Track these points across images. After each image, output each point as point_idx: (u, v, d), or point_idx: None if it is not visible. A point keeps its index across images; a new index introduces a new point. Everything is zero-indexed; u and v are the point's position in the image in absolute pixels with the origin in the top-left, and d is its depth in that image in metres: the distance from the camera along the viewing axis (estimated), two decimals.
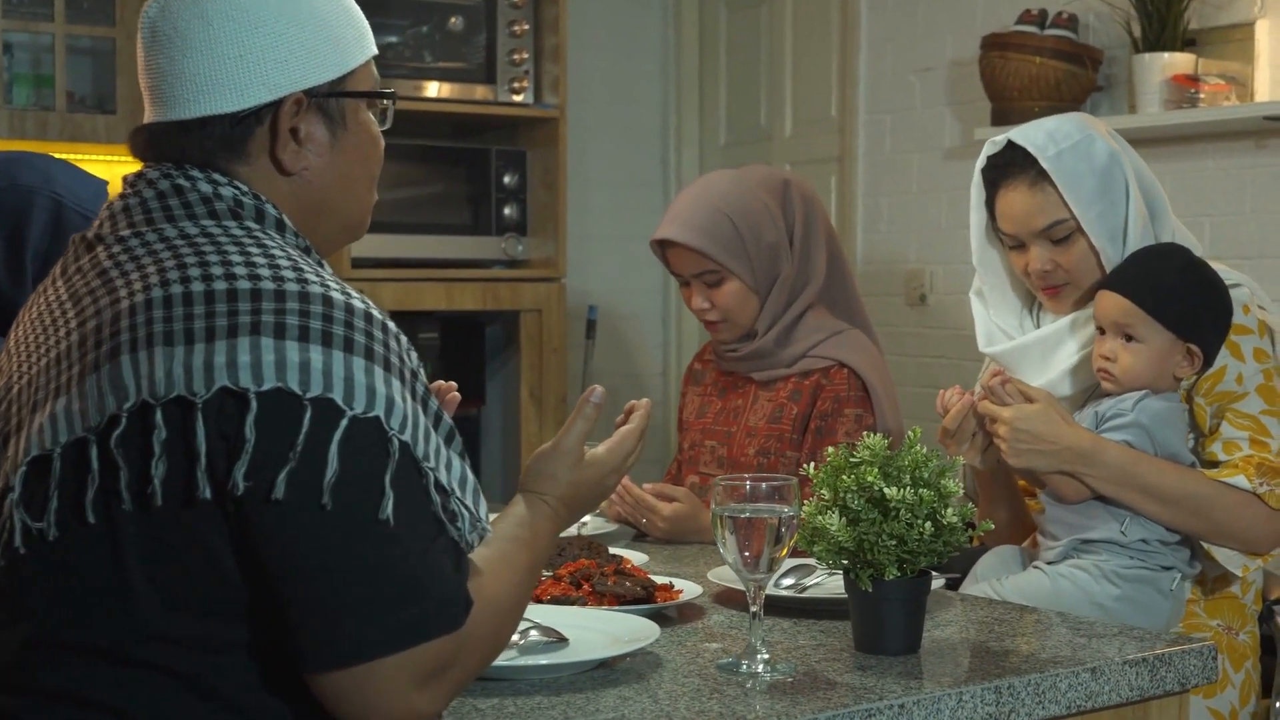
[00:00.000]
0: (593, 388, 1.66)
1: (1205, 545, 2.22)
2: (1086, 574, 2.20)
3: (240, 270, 1.36)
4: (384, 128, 1.60)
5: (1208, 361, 2.21)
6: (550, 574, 2.09)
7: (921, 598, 1.81)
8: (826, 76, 4.79)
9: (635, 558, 2.33)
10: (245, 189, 1.46)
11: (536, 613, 1.86)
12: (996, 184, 2.36)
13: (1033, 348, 2.39)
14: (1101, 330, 2.25)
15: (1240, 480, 2.17)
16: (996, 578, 2.30)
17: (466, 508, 1.39)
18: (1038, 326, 2.43)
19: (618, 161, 5.20)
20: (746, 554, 1.71)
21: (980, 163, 2.40)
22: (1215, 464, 2.23)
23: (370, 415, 1.31)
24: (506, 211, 4.37)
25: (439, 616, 1.31)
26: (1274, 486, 2.18)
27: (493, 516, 1.52)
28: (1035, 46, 3.74)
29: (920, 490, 1.76)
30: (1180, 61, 3.54)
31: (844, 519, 1.77)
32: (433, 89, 4.29)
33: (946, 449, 2.31)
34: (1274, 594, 2.44)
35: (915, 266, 4.48)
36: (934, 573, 2.01)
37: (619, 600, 1.99)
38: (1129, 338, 2.22)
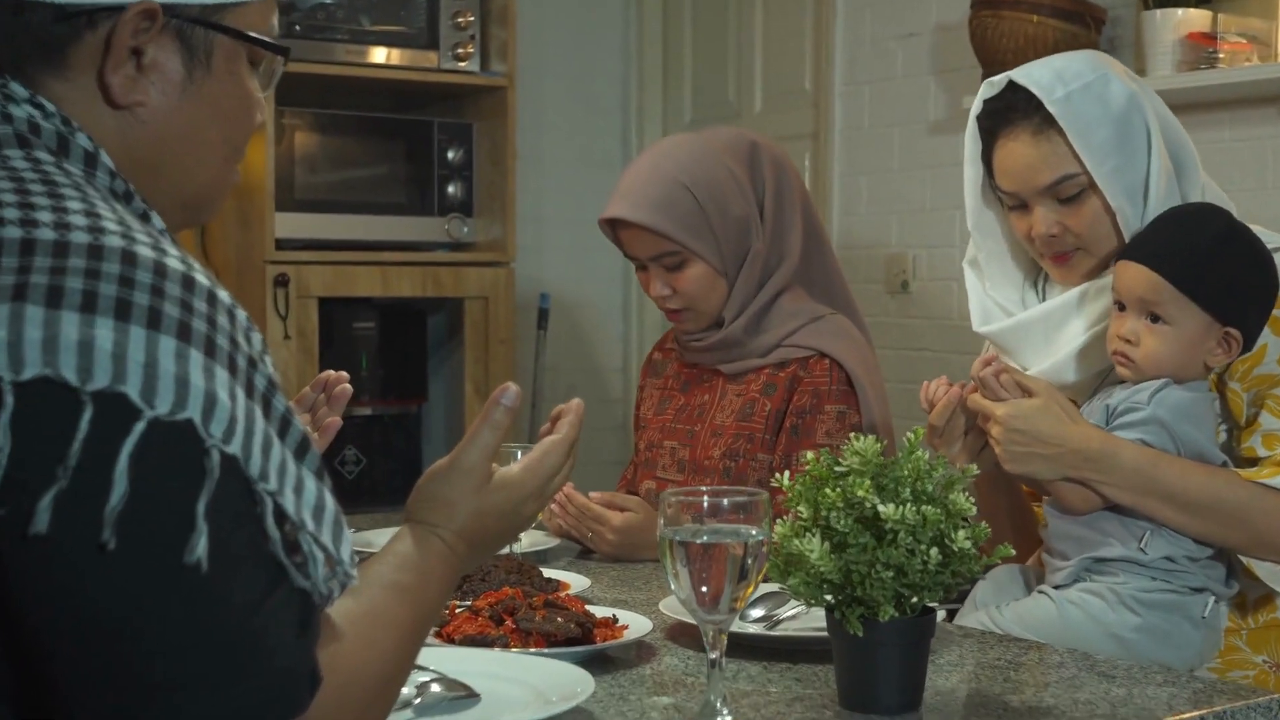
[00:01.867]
0: (504, 386, 1.29)
1: (1244, 560, 1.87)
2: (1100, 600, 1.85)
3: (11, 213, 0.99)
4: (265, 92, 1.23)
5: (1246, 346, 1.87)
6: (467, 606, 1.72)
7: (924, 642, 1.45)
8: (800, 45, 4.42)
9: (575, 582, 1.96)
10: (51, 109, 1.09)
11: (443, 659, 1.50)
12: (994, 132, 2.01)
13: (1034, 326, 2.04)
14: (1121, 306, 1.90)
15: None
16: (996, 605, 1.95)
17: (321, 546, 1.02)
18: (1042, 301, 2.08)
19: (574, 138, 4.81)
20: (704, 590, 1.34)
21: (975, 108, 2.04)
22: (1253, 461, 1.88)
23: (180, 417, 0.94)
24: (450, 190, 3.99)
25: (272, 699, 0.95)
26: None
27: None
28: (1031, 4, 3.38)
29: (923, 508, 1.39)
30: (1196, 18, 3.18)
31: (827, 544, 1.41)
32: (369, 55, 3.90)
33: (934, 450, 1.97)
34: None
35: (897, 250, 4.12)
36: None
37: (548, 640, 1.62)
38: (1155, 318, 1.86)
